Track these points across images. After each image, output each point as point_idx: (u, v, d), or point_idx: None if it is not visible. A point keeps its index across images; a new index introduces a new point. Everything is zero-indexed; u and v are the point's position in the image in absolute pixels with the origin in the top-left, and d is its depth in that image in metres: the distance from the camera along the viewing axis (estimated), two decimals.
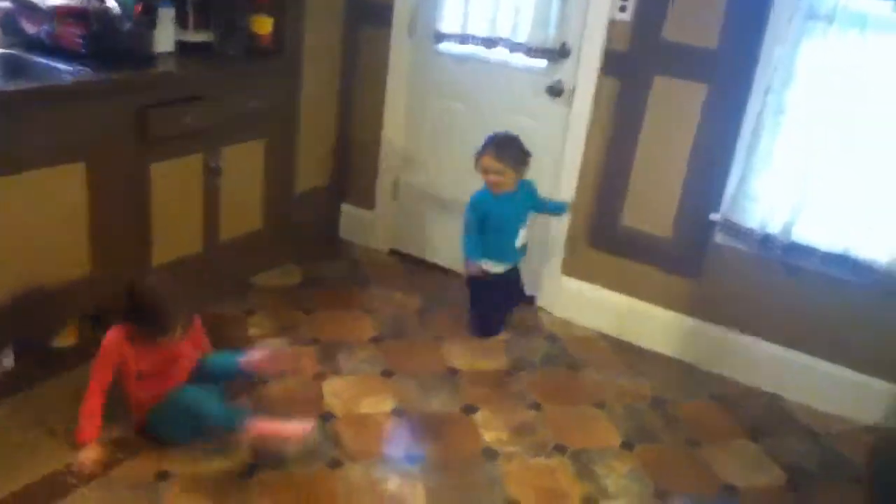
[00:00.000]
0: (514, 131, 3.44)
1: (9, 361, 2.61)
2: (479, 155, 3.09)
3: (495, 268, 3.23)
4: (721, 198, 3.06)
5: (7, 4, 2.77)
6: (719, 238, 3.10)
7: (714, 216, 3.07)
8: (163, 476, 2.29)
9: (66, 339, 2.78)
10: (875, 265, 2.81)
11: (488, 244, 3.17)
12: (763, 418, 2.96)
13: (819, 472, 2.70)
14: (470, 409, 2.80)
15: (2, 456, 2.25)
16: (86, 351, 2.76)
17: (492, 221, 3.14)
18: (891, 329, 2.87)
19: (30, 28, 2.80)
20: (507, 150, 3.07)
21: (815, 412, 3.02)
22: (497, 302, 3.32)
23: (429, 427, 2.69)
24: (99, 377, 2.30)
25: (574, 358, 3.23)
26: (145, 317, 2.28)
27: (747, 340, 3.15)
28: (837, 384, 3.01)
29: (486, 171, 3.09)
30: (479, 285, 3.26)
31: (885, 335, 2.89)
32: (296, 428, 2.39)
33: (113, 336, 2.32)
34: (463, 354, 3.14)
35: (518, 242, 3.21)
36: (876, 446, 2.79)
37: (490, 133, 3.16)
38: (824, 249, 2.88)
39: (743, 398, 3.08)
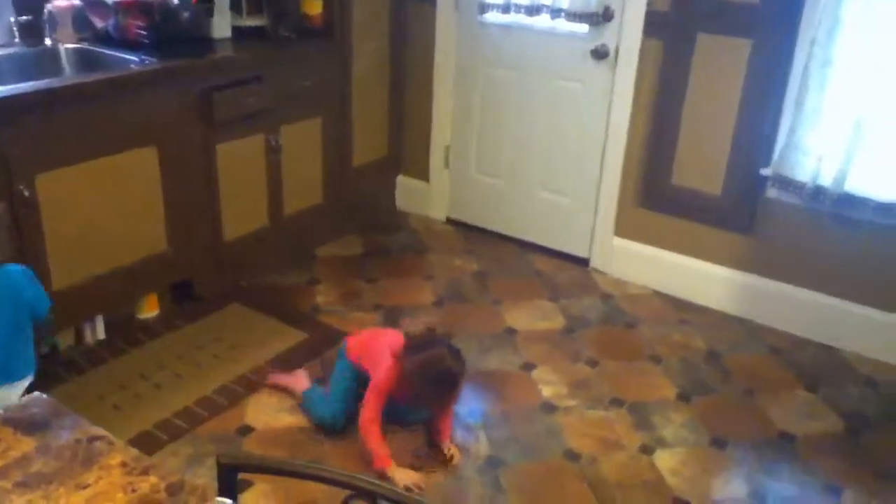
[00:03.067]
0: (561, 95, 3.50)
1: (100, 332, 2.82)
2: None
3: None
4: (771, 152, 3.08)
5: (77, 2, 2.94)
6: (771, 192, 3.12)
7: (764, 171, 3.09)
8: (243, 431, 2.47)
9: (149, 311, 3.00)
10: None
11: None
12: (819, 368, 3.00)
13: (879, 419, 2.73)
14: (529, 367, 2.91)
15: (95, 420, 2.45)
16: (167, 320, 2.99)
17: None
18: None
19: (98, 22, 2.98)
20: None
21: (873, 361, 3.03)
22: None
23: (489, 384, 2.81)
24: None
25: (629, 315, 3.31)
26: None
27: (802, 293, 3.17)
28: (894, 333, 3.02)
29: None
30: None
31: None
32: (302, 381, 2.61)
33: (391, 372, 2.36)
34: (520, 316, 3.24)
35: None
36: None
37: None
38: (878, 199, 2.87)
39: (798, 349, 3.11)
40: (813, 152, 2.96)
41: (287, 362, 2.78)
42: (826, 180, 2.93)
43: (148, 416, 2.46)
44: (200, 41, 3.03)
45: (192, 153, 2.89)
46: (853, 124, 2.83)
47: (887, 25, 2.70)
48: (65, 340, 2.76)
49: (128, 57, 2.81)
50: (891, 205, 2.85)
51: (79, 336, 2.78)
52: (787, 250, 3.16)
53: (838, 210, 2.97)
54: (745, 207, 3.20)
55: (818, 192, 2.96)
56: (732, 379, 2.91)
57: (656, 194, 3.41)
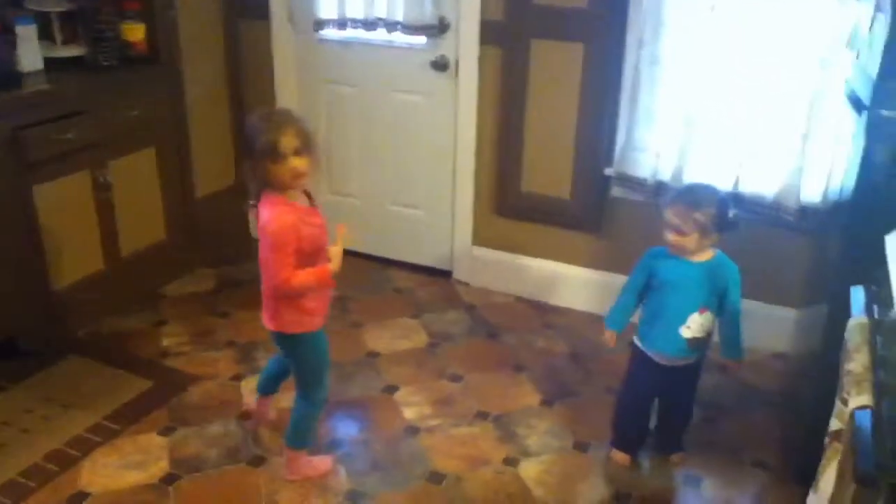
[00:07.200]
0: (406, 109, 3.41)
1: None
2: (665, 204, 2.40)
3: (653, 356, 2.41)
4: (612, 152, 3.13)
5: None
6: (615, 191, 3.17)
7: (608, 171, 3.14)
8: (78, 498, 2.26)
9: None
10: (763, 199, 2.91)
11: (648, 320, 2.42)
12: None
13: (734, 405, 2.80)
14: (391, 389, 2.83)
15: None
16: None
17: (657, 287, 2.40)
18: (784, 257, 2.99)
19: None
20: (700, 206, 2.29)
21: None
22: (644, 403, 2.52)
23: (350, 412, 2.71)
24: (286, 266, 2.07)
25: (493, 325, 3.28)
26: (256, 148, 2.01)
27: None
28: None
29: (666, 225, 2.36)
30: (636, 375, 2.48)
31: (780, 264, 3.00)
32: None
33: (278, 212, 2.06)
34: (382, 337, 3.16)
35: (684, 331, 2.33)
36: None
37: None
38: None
39: None
40: (650, 149, 3.03)
41: (129, 415, 2.58)
42: (665, 176, 3.00)
43: None
44: (6, 76, 2.79)
45: (3, 198, 2.65)
46: (684, 119, 2.91)
47: (706, 24, 2.79)
48: None
49: None
50: (727, 193, 2.95)
51: None
52: (636, 246, 3.17)
53: None
54: (593, 208, 3.24)
55: (659, 187, 3.03)
56: (595, 379, 2.93)
57: (509, 201, 3.41)
